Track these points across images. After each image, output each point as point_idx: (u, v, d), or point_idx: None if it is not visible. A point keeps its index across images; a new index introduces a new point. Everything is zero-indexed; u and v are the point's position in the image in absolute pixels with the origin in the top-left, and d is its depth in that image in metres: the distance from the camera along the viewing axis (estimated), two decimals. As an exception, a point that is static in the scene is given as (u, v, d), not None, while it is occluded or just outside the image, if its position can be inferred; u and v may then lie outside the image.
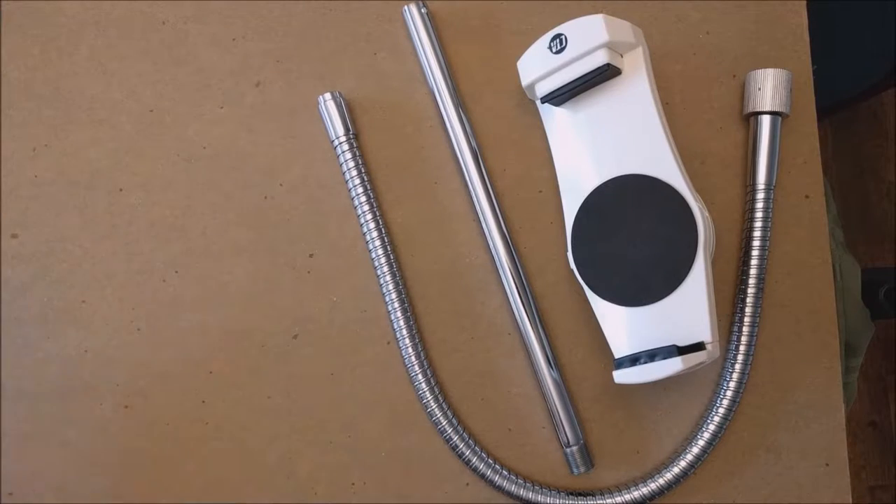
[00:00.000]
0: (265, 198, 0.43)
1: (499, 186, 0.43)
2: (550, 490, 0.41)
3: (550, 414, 0.41)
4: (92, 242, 0.43)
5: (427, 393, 0.41)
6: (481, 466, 0.41)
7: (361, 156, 0.42)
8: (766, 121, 0.40)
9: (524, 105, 0.43)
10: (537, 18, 0.43)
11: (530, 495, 0.40)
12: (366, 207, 0.41)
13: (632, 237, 0.37)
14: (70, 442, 0.42)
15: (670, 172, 0.36)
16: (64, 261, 0.43)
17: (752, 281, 0.40)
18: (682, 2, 0.43)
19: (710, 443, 0.40)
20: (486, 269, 0.43)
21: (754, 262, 0.40)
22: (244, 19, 0.44)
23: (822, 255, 0.42)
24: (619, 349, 0.38)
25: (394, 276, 0.41)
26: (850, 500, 0.42)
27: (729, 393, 0.40)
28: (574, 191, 0.39)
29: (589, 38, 0.35)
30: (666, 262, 0.36)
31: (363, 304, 0.43)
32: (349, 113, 0.42)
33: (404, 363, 0.41)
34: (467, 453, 0.41)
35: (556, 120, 0.41)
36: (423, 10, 0.42)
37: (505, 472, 0.41)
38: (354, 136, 0.42)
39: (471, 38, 0.43)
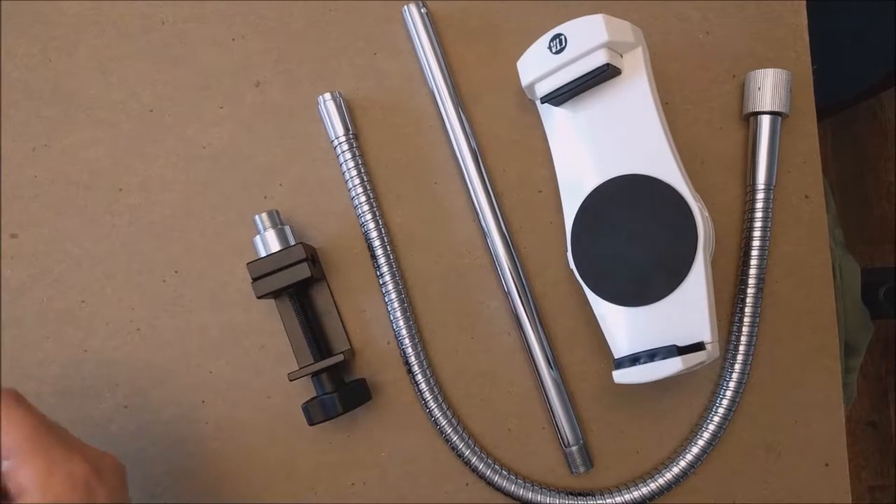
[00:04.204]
0: (265, 198, 0.43)
1: (499, 186, 0.43)
2: (550, 490, 0.41)
3: (550, 414, 0.41)
4: (92, 242, 0.43)
5: (427, 393, 0.41)
6: (481, 466, 0.41)
7: (361, 156, 0.42)
8: (765, 121, 0.40)
9: (524, 105, 0.43)
10: (537, 18, 0.43)
11: (530, 495, 0.40)
12: (366, 207, 0.41)
13: (632, 237, 0.37)
14: (70, 442, 0.42)
15: (670, 172, 0.36)
16: (64, 261, 0.43)
17: (752, 281, 0.40)
18: (682, 2, 0.43)
19: (709, 443, 0.40)
20: (486, 269, 0.43)
21: (754, 262, 0.40)
22: (244, 19, 0.44)
23: (822, 255, 0.42)
24: (619, 349, 0.38)
25: (393, 276, 0.41)
26: (850, 500, 0.42)
27: (729, 393, 0.40)
28: (574, 191, 0.39)
29: (589, 38, 0.35)
30: (666, 262, 0.36)
31: (363, 303, 0.43)
32: (349, 113, 0.42)
33: (405, 363, 0.41)
34: (467, 453, 0.41)
35: (556, 120, 0.41)
36: (422, 10, 0.42)
37: (505, 472, 0.41)
38: (354, 136, 0.42)
39: (471, 38, 0.43)
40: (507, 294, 0.42)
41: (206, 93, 0.44)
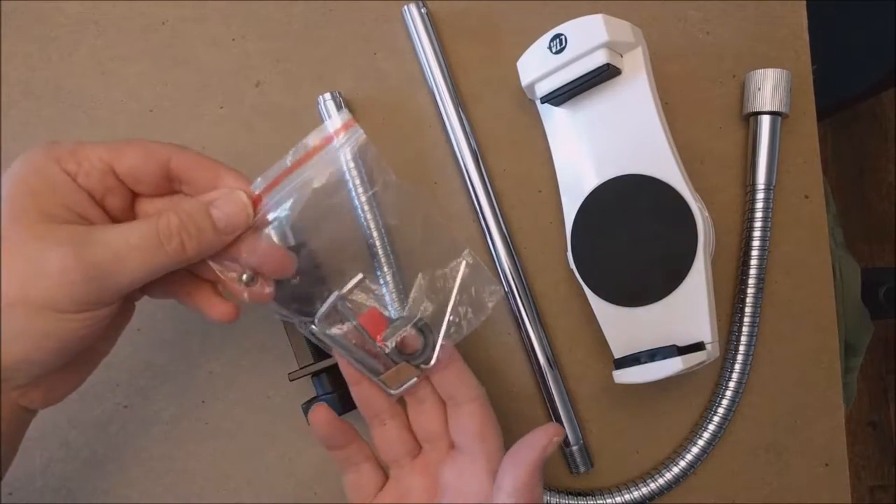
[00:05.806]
0: (265, 198, 0.43)
1: (499, 186, 0.43)
2: (550, 490, 0.41)
3: (550, 414, 0.41)
4: (92, 242, 0.43)
5: (427, 393, 0.41)
6: (481, 466, 0.40)
7: (361, 156, 0.42)
8: (765, 121, 0.40)
9: (524, 105, 0.43)
10: (537, 18, 0.43)
11: (530, 495, 0.40)
12: (366, 207, 0.41)
13: (632, 237, 0.37)
14: (70, 442, 0.42)
15: (670, 172, 0.36)
16: (64, 261, 0.43)
17: (751, 281, 0.40)
18: (682, 2, 0.43)
19: (709, 443, 0.40)
20: (486, 269, 0.43)
21: (754, 261, 0.40)
22: (244, 19, 0.44)
23: (822, 255, 0.42)
24: (619, 349, 0.38)
25: (394, 275, 0.41)
26: (850, 500, 0.42)
27: (728, 393, 0.40)
28: (574, 191, 0.39)
29: (589, 38, 0.35)
30: (666, 262, 0.36)
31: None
32: (349, 113, 0.42)
33: (404, 363, 0.41)
34: (467, 453, 0.41)
35: (556, 120, 0.41)
36: (422, 10, 0.42)
37: (505, 472, 0.41)
38: (354, 136, 0.42)
39: (471, 38, 0.43)
40: (507, 294, 0.42)
41: (206, 93, 0.44)
